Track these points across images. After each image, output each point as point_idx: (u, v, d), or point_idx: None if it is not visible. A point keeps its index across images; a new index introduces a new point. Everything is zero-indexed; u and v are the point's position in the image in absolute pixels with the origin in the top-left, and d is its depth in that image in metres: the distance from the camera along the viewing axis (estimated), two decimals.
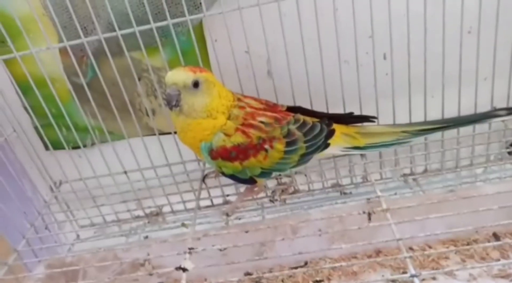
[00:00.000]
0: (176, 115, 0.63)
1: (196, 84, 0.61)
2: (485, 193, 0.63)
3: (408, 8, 0.67)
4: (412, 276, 0.50)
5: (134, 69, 0.73)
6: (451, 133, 0.77)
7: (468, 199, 0.61)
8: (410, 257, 0.52)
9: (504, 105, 0.75)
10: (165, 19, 0.67)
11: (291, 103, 0.72)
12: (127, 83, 0.76)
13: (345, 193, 0.82)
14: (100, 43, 0.69)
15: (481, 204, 0.57)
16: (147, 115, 0.83)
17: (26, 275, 0.73)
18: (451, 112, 0.74)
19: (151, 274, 0.68)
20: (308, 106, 0.73)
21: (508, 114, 0.71)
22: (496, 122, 0.75)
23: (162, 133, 0.81)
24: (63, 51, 0.75)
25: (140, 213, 0.87)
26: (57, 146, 0.83)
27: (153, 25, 0.68)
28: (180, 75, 0.61)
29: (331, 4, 0.68)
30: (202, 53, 0.74)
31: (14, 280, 0.72)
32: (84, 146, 0.82)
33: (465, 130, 0.76)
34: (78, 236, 0.88)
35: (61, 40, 0.70)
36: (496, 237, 0.69)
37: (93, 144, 0.85)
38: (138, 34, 0.68)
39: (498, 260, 0.67)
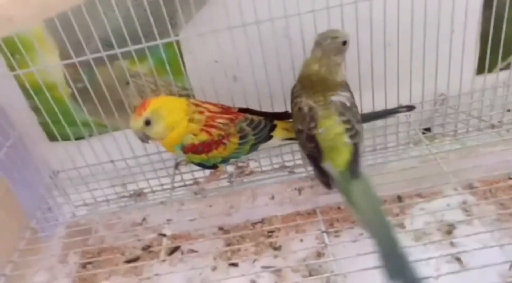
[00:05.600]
0: None
1: (148, 123, 0.79)
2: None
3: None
4: (322, 232, 0.72)
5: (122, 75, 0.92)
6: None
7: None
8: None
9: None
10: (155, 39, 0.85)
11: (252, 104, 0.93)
12: (116, 87, 0.93)
13: (290, 172, 1.03)
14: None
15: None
16: None
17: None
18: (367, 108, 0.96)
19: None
20: (257, 107, 0.93)
21: (408, 110, 0.94)
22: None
23: None
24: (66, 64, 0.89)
25: (125, 194, 1.07)
26: (55, 139, 1.00)
27: (144, 45, 0.85)
28: (135, 124, 0.79)
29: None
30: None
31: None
32: (81, 138, 0.98)
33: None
34: (74, 214, 1.07)
35: (62, 55, 0.90)
36: (399, 199, 0.97)
37: (90, 135, 0.99)
38: (133, 51, 0.86)
39: (398, 215, 0.93)
